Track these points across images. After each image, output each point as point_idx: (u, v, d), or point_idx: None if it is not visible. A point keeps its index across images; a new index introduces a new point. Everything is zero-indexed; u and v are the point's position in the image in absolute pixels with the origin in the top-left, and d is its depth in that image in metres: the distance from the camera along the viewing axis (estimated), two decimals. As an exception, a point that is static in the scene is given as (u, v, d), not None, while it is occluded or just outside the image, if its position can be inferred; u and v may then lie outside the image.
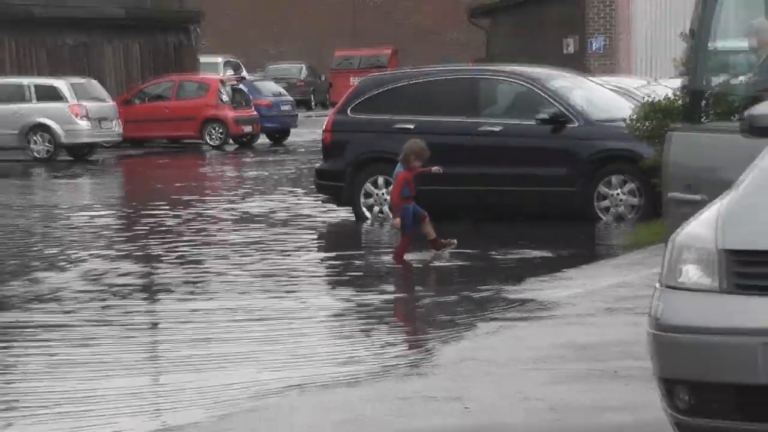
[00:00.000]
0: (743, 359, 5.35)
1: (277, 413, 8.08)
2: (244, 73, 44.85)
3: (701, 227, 5.80)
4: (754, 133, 6.36)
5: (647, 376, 6.12)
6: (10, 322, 11.64)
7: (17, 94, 31.92)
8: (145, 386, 9.21)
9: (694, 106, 9.19)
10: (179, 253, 15.92)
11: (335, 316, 12.24)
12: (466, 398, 8.23)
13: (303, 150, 34.36)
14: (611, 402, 7.92)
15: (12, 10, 35.29)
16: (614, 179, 17.12)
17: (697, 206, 6.74)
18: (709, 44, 9.04)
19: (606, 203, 17.15)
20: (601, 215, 17.13)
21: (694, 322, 5.54)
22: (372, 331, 11.26)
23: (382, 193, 17.68)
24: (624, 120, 16.12)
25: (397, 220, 14.40)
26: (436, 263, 14.70)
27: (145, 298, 13.66)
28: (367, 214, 17.76)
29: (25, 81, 32.68)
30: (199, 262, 15.18)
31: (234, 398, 8.44)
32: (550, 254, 15.08)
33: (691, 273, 5.63)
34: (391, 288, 13.79)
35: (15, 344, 10.98)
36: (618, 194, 17.10)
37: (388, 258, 14.89)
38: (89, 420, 8.25)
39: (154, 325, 12.49)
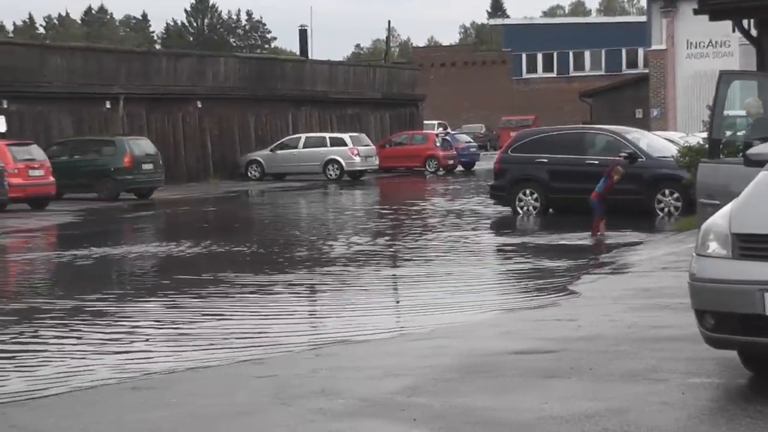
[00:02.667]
0: (745, 298, 6.49)
1: (466, 328, 10.29)
2: (449, 130, 58.32)
3: (719, 219, 6.90)
4: (749, 165, 7.88)
5: (686, 308, 7.30)
6: (302, 275, 15.25)
7: (320, 142, 42.38)
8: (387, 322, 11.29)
9: (713, 149, 11.94)
10: (407, 233, 21.24)
11: (501, 273, 15.58)
12: (578, 319, 10.19)
13: (482, 174, 43.21)
14: (665, 322, 9.65)
15: (318, 95, 47.20)
16: (666, 191, 22.56)
17: (716, 207, 7.88)
18: (722, 112, 11.84)
19: (661, 205, 22.65)
20: (658, 212, 22.56)
21: (716, 276, 6.68)
22: (523, 281, 14.22)
23: (528, 200, 24.04)
24: (672, 156, 21.63)
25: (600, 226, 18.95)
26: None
27: (381, 264, 16.74)
28: (519, 211, 24.05)
29: (324, 135, 43.46)
30: (420, 239, 20.01)
31: (442, 321, 10.95)
32: (627, 234, 19.15)
33: (713, 247, 6.77)
34: (533, 255, 16.83)
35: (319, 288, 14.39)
36: (668, 200, 22.63)
37: (528, 238, 19.44)
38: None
39: (393, 283, 14.94)
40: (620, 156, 21.82)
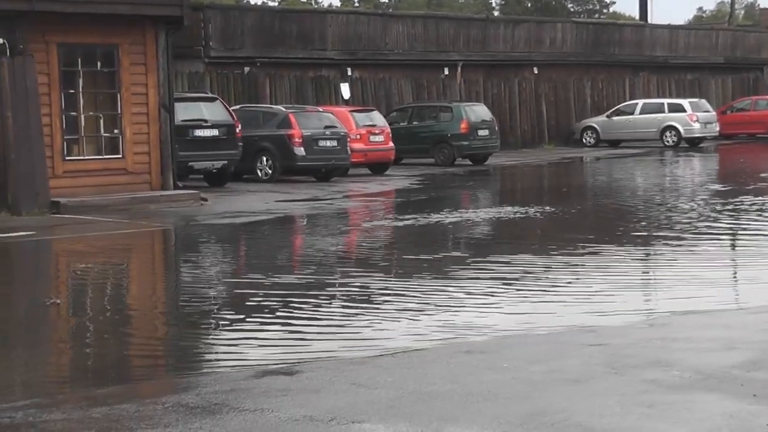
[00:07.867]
0: None
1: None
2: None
3: None
4: None
5: None
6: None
7: (657, 108, 42.18)
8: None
9: None
10: (747, 202, 20.05)
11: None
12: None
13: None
14: None
15: (656, 60, 47.33)
16: None
17: None
18: None
19: None
20: None
21: None
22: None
23: None
24: None
25: None
26: None
27: (719, 234, 16.15)
28: None
29: (662, 101, 43.13)
30: (762, 208, 18.87)
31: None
32: None
33: None
34: None
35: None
36: None
37: None
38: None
39: (731, 253, 14.64)
40: None
